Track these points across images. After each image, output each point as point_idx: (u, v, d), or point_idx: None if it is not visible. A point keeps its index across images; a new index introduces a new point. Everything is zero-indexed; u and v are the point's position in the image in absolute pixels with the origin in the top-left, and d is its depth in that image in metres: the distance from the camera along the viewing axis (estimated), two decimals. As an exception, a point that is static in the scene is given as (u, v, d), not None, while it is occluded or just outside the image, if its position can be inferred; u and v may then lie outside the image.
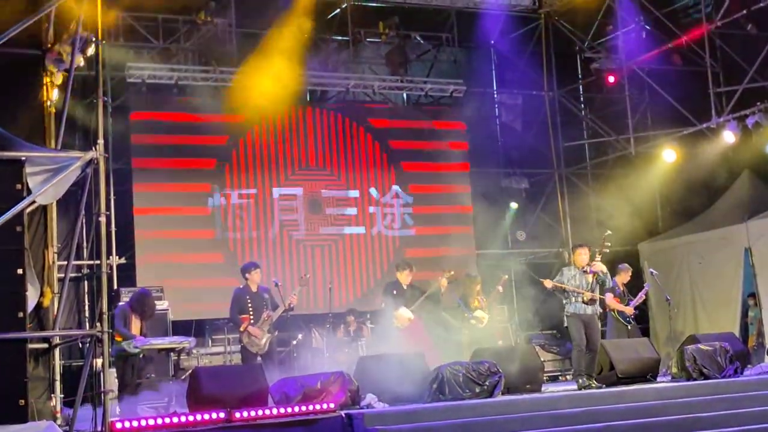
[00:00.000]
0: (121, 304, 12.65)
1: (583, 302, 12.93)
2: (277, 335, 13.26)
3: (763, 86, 16.51)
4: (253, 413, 9.49)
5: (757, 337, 16.53)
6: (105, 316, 9.23)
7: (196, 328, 15.67)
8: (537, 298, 16.71)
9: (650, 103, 19.18)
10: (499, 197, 19.64)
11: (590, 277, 13.03)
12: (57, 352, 10.37)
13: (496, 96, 20.48)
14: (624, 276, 14.96)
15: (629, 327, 14.60)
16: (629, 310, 14.59)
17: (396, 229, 18.38)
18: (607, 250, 13.28)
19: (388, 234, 18.32)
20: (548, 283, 13.18)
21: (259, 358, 12.79)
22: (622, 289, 14.80)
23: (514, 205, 19.63)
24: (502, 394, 11.32)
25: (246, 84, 16.37)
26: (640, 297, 14.99)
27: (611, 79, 19.12)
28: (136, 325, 12.23)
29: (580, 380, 12.65)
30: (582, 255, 13.22)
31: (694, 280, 17.75)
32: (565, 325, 13.30)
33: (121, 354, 11.74)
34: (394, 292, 13.74)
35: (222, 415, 9.33)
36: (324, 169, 17.93)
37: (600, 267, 13.11)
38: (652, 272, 15.63)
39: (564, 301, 13.09)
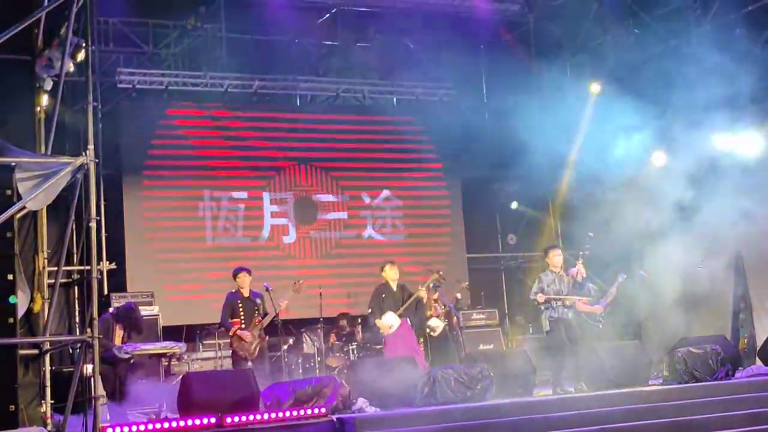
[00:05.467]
0: (104, 315, 12.46)
1: (564, 306, 12.94)
2: (268, 340, 13.26)
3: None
4: (244, 418, 9.50)
5: (748, 340, 16.53)
6: (95, 322, 9.22)
7: (187, 334, 15.65)
8: (528, 301, 16.67)
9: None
10: (489, 201, 19.64)
11: (567, 280, 13.05)
12: (47, 357, 10.34)
13: (485, 100, 20.46)
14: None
15: (600, 327, 14.10)
16: (598, 309, 13.98)
17: (387, 233, 18.39)
18: (587, 252, 13.24)
19: (378, 238, 18.33)
20: (541, 298, 13.07)
21: (249, 363, 12.79)
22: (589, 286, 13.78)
23: (514, 205, 19.63)
24: (494, 398, 11.31)
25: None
26: (611, 295, 14.12)
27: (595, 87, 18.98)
28: (119, 334, 12.23)
29: (558, 388, 12.68)
30: (556, 256, 13.21)
31: (685, 283, 17.73)
32: (546, 330, 13.29)
33: (111, 359, 11.73)
34: (383, 295, 13.68)
35: (213, 420, 9.33)
36: (315, 173, 17.94)
37: (581, 270, 13.12)
38: (641, 273, 15.60)
39: (543, 306, 13.07)
